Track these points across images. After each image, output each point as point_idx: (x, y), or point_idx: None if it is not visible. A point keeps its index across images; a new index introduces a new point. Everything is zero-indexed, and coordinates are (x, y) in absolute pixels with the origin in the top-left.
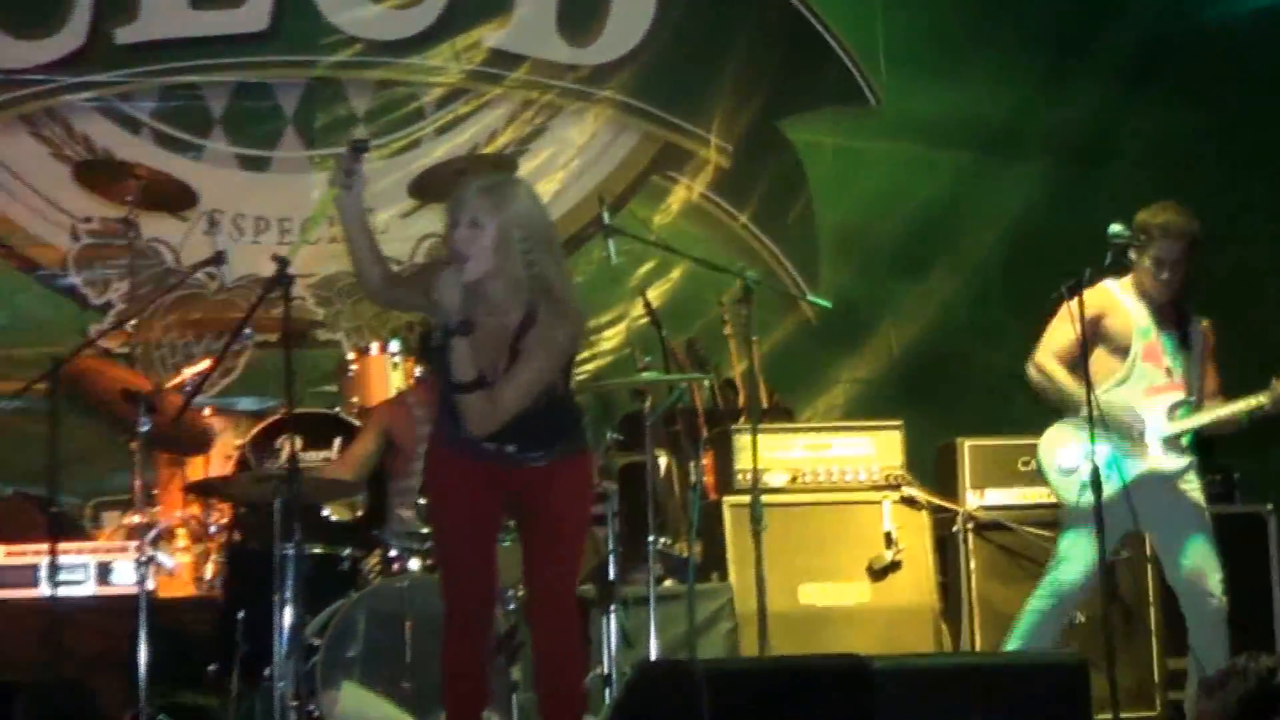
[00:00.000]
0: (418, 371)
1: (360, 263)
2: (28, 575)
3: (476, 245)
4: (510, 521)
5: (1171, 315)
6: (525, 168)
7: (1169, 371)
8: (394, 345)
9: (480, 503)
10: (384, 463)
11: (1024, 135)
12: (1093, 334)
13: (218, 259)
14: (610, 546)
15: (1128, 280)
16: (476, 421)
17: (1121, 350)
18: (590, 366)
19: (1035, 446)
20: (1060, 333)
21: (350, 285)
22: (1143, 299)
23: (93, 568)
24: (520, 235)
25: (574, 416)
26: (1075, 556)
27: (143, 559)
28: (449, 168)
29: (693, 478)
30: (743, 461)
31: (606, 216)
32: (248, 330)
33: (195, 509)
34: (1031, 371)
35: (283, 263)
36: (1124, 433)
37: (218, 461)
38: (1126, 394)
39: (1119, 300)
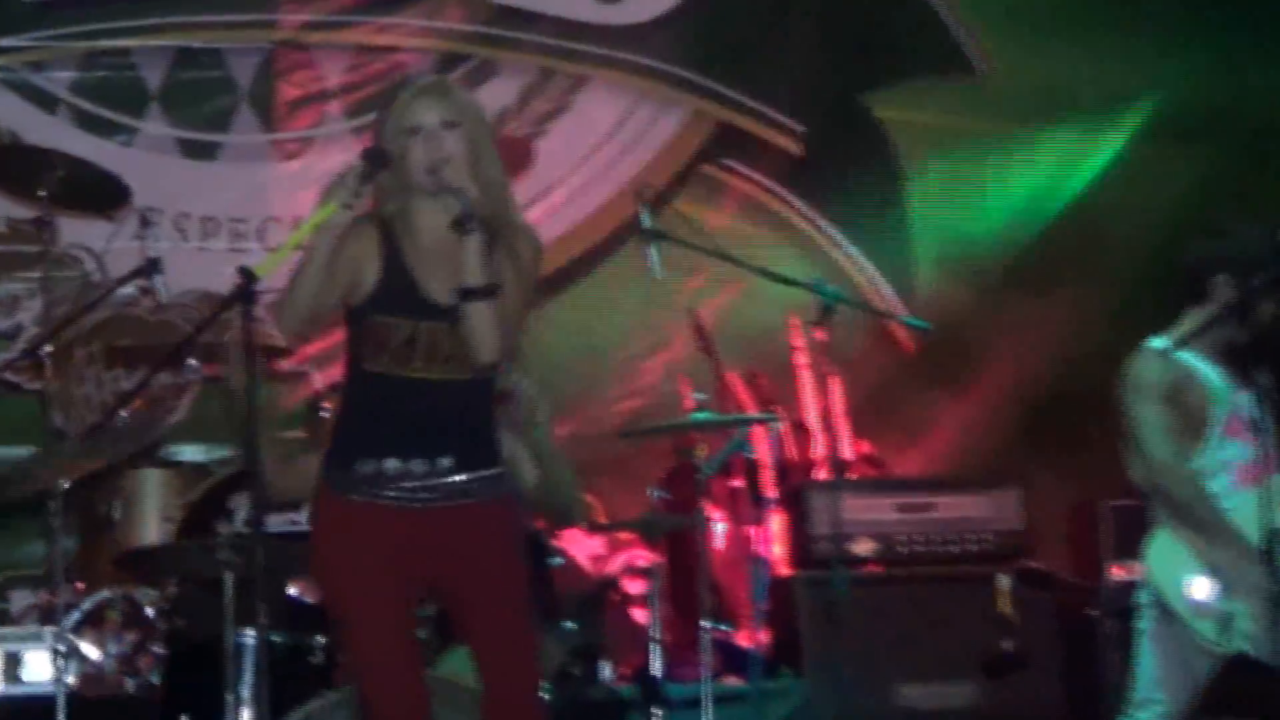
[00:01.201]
0: None
1: (304, 296)
2: None
3: (452, 156)
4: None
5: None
6: (543, 154)
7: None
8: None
9: (399, 566)
10: None
11: (1181, 114)
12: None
13: (152, 268)
14: (652, 634)
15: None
16: (487, 339)
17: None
18: (625, 406)
19: None
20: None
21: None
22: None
23: None
24: (484, 134)
25: (498, 433)
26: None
27: (61, 649)
28: None
29: (757, 547)
30: (820, 526)
31: (646, 217)
32: (191, 361)
33: (128, 586)
34: (1161, 478)
35: (249, 276)
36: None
37: (155, 526)
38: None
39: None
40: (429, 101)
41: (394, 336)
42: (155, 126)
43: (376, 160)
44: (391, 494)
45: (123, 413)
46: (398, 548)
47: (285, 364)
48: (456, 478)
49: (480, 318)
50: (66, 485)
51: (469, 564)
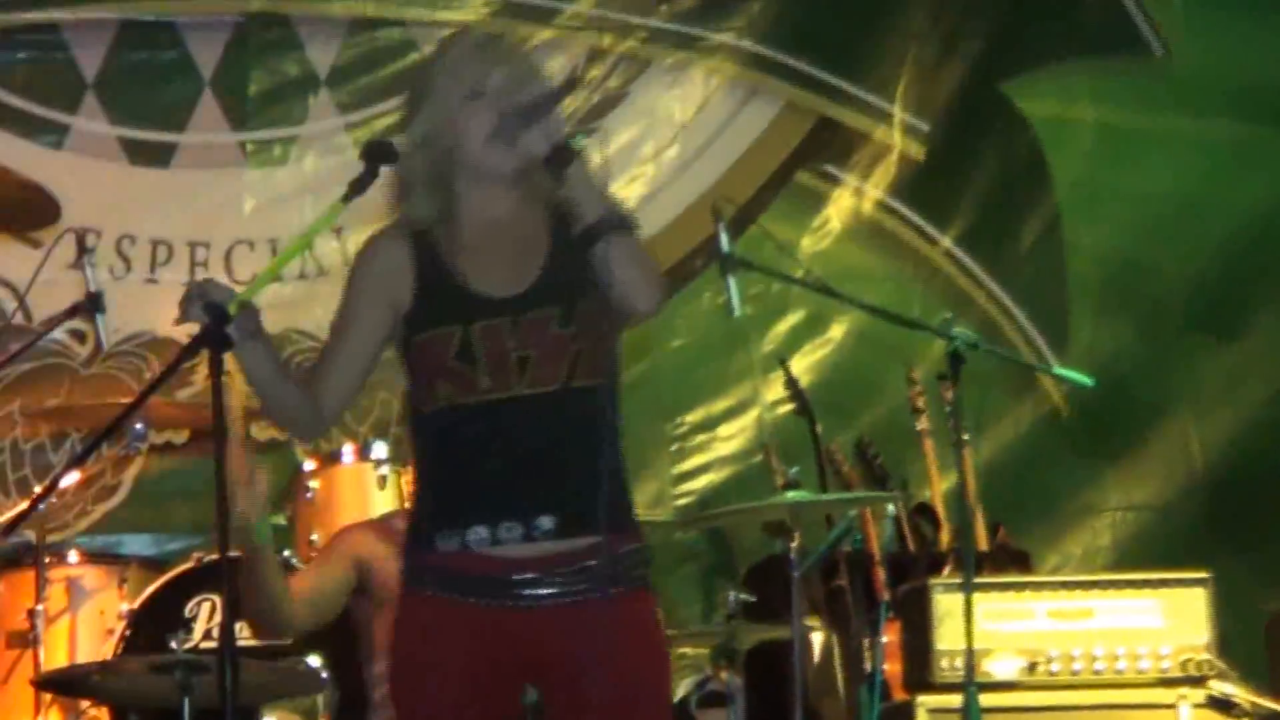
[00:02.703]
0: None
1: (280, 396)
2: None
3: (538, 128)
4: None
5: None
6: (593, 158)
7: None
8: (378, 449)
9: (491, 687)
10: (354, 623)
11: None
12: None
13: (93, 306)
14: None
15: None
16: (639, 279)
17: None
18: (699, 483)
19: None
20: None
21: (311, 354)
22: None
23: None
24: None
25: (630, 498)
26: None
27: None
28: None
29: (867, 664)
30: (949, 638)
31: (725, 239)
32: (138, 425)
33: (53, 713)
34: None
35: (219, 315)
36: None
37: (90, 637)
38: None
39: None
40: (493, 59)
41: (443, 352)
42: (92, 123)
43: (376, 155)
44: (491, 592)
45: (51, 497)
46: (494, 666)
47: (262, 432)
48: (563, 546)
49: (623, 252)
50: None
51: (598, 692)
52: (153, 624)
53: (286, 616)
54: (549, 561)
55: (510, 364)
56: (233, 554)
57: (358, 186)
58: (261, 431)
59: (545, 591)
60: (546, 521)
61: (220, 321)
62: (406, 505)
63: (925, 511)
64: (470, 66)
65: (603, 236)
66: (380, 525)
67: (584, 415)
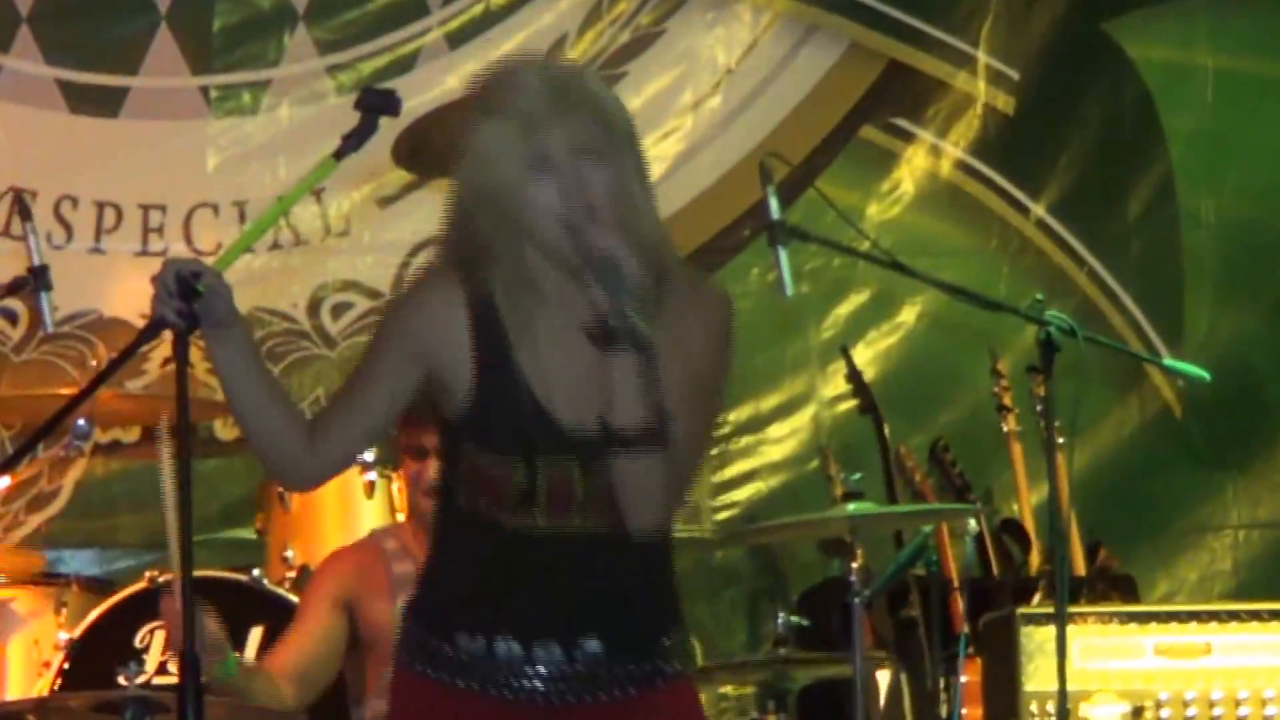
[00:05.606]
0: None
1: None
2: None
3: (601, 204)
4: None
5: None
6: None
7: None
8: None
9: None
10: (343, 669)
11: None
12: None
13: (38, 282)
14: None
15: None
16: (648, 498)
17: None
18: (743, 493)
19: None
20: None
21: (285, 339)
22: None
23: None
24: (636, 159)
25: (676, 587)
26: None
27: None
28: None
29: (943, 708)
30: (1039, 678)
31: (775, 205)
32: (81, 422)
33: None
34: None
35: (185, 289)
36: None
37: (22, 671)
38: None
39: None
40: (558, 113)
41: (503, 483)
42: (26, 63)
43: (375, 105)
44: (511, 684)
45: None
46: None
47: (227, 430)
48: (611, 667)
49: (638, 470)
50: None
51: None
52: (97, 655)
53: (280, 708)
54: (591, 680)
55: (573, 507)
56: (197, 573)
57: (353, 141)
58: (227, 430)
59: (569, 688)
60: (593, 645)
61: (187, 297)
62: (398, 517)
63: (1012, 528)
64: (532, 127)
65: (625, 448)
66: (364, 550)
67: (647, 549)
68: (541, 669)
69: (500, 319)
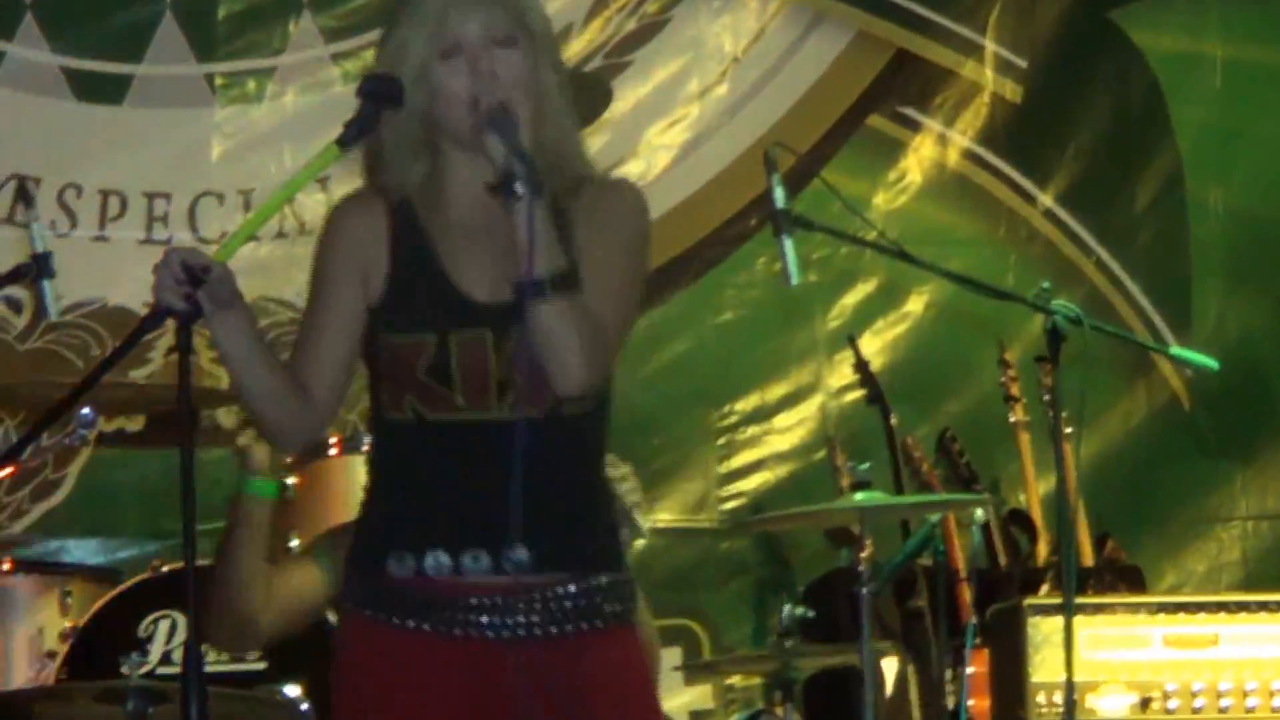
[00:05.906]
0: None
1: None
2: None
3: (504, 81)
4: None
5: None
6: (627, 97)
7: None
8: (368, 440)
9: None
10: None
11: None
12: None
13: (39, 271)
14: None
15: None
16: (569, 356)
17: None
18: (750, 483)
19: None
20: None
21: (291, 328)
22: None
23: None
24: (551, 58)
25: (614, 517)
26: None
27: None
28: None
29: (949, 699)
30: (1046, 669)
31: (780, 195)
32: (85, 411)
33: None
34: None
35: (192, 277)
36: None
37: (26, 661)
38: None
39: None
40: (470, 5)
41: (417, 360)
42: (31, 51)
43: (384, 93)
44: (446, 617)
45: None
46: (470, 708)
47: (229, 417)
48: (542, 581)
49: (555, 323)
50: None
51: None
52: (101, 645)
53: (251, 613)
54: (515, 590)
55: (490, 384)
56: (199, 563)
57: (356, 129)
58: (229, 417)
59: (510, 622)
60: (520, 554)
61: (193, 285)
62: None
63: (1019, 519)
64: (445, 16)
65: (537, 297)
66: None
67: (570, 444)
68: (471, 581)
69: (416, 214)
